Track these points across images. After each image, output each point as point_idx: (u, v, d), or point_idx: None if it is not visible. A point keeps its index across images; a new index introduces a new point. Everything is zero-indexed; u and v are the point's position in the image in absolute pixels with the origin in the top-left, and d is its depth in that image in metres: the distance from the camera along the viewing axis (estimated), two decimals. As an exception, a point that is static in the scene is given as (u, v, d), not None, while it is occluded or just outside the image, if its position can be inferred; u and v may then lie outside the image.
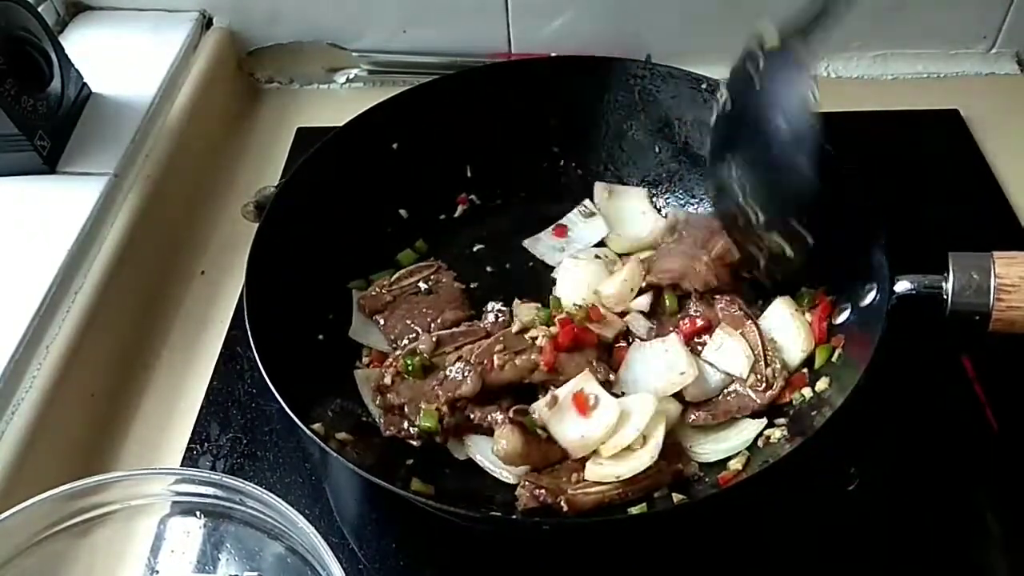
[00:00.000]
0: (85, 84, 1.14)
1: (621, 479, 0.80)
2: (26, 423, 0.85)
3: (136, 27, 1.27)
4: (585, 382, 0.86)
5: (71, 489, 0.72)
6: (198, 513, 0.76)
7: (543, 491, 0.80)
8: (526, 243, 1.08)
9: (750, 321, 0.91)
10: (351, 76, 1.34)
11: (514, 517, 0.80)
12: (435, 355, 0.90)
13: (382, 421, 0.89)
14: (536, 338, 0.89)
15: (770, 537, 0.84)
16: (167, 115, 1.17)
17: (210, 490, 0.74)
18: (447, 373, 0.87)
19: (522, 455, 0.82)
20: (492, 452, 0.84)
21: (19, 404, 0.86)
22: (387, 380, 0.90)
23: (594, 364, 0.88)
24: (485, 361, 0.87)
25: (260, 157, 1.24)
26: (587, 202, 1.10)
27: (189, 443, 0.92)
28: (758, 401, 0.87)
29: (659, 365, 0.89)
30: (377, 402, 0.90)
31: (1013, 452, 0.88)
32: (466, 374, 0.86)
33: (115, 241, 1.01)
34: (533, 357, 0.87)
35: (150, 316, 1.05)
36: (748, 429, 0.87)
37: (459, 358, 0.88)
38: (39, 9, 1.10)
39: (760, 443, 0.85)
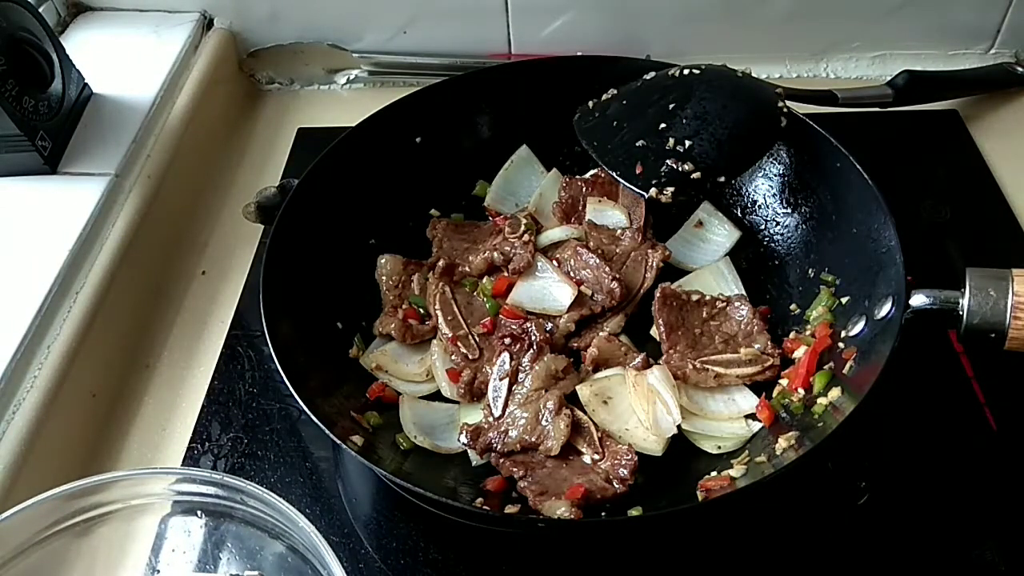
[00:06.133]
0: (86, 85, 1.14)
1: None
2: (27, 423, 0.86)
3: (137, 28, 1.27)
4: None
5: (72, 489, 0.72)
6: (199, 512, 0.77)
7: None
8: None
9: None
10: (351, 77, 1.34)
11: (509, 512, 0.80)
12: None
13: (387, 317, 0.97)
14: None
15: (763, 536, 0.85)
16: (168, 116, 1.17)
17: (211, 489, 0.74)
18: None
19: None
20: (556, 516, 0.79)
21: (20, 404, 0.87)
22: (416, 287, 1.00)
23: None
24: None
25: (261, 158, 1.25)
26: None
27: (190, 443, 0.92)
28: None
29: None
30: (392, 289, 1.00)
31: (1012, 452, 0.88)
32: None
33: (116, 241, 1.02)
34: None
35: (151, 316, 1.05)
36: (738, 422, 0.88)
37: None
38: (40, 10, 1.11)
39: (765, 455, 0.83)
